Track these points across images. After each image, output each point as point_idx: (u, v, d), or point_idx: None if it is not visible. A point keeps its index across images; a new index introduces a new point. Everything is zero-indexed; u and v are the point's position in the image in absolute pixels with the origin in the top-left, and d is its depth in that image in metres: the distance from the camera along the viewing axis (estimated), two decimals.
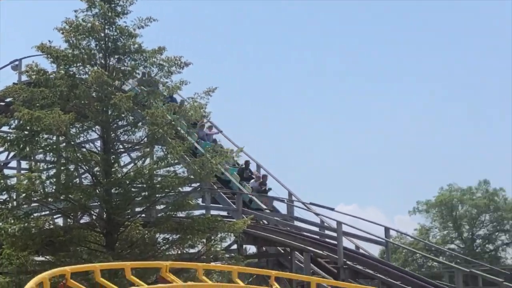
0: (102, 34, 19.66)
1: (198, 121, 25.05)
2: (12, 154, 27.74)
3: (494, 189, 71.43)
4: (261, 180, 26.09)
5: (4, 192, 19.64)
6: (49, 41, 19.40)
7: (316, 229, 24.70)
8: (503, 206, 70.46)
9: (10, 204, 19.90)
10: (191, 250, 20.33)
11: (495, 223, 71.19)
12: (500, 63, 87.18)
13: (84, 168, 19.55)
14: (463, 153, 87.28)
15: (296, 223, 24.83)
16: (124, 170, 20.43)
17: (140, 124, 20.03)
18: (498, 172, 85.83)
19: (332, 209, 25.39)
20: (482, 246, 72.21)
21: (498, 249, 72.31)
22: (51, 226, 19.58)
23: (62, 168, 19.44)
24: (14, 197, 20.28)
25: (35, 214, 19.48)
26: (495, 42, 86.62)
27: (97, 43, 19.76)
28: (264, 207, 25.01)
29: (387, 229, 23.77)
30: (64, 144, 19.58)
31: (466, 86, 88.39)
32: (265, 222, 24.76)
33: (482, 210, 70.34)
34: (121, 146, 20.68)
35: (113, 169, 19.33)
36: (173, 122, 19.73)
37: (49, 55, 19.48)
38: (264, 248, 24.70)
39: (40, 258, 19.79)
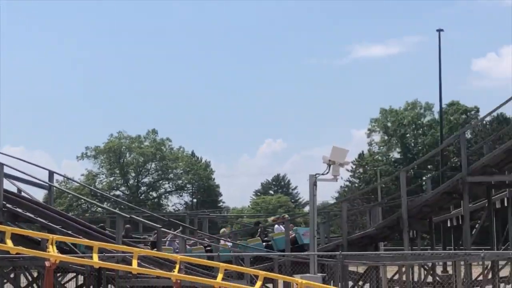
0: None
1: None
2: None
3: (162, 138, 74.11)
4: None
5: None
6: None
7: None
8: (169, 155, 73.43)
9: None
10: None
11: (160, 171, 73.92)
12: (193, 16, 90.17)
13: None
14: (132, 101, 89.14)
15: None
16: None
17: None
18: (165, 122, 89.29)
19: None
20: (146, 193, 74.63)
21: (161, 197, 75.32)
22: None
23: None
24: None
25: None
26: None
27: None
28: None
29: (51, 173, 23.45)
30: None
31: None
32: None
33: (149, 158, 72.61)
34: None
35: None
36: None
37: None
38: None
39: None
